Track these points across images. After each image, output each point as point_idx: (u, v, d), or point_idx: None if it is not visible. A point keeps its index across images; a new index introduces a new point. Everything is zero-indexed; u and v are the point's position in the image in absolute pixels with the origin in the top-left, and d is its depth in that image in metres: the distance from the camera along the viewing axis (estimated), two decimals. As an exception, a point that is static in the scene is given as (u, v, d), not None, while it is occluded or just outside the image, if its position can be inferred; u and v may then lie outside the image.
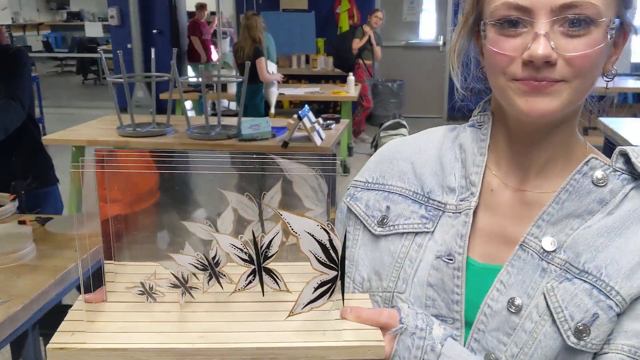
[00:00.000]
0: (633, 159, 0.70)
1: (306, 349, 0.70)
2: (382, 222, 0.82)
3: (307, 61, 7.67)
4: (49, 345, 0.66)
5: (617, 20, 0.66)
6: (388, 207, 0.83)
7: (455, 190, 0.79)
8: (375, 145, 6.15)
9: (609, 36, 0.65)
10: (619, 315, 0.68)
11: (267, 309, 0.77)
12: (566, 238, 0.71)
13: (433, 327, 0.70)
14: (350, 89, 5.51)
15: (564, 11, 0.64)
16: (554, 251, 0.71)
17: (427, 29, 8.13)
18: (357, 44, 6.43)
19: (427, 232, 0.79)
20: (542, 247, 0.72)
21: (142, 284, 0.76)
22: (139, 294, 0.76)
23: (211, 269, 0.76)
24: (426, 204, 0.81)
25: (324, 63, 7.44)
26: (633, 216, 0.71)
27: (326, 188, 0.75)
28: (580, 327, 0.67)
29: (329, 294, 0.72)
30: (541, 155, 0.75)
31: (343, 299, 0.73)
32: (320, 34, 7.88)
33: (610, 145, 3.52)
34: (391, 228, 0.81)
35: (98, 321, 0.72)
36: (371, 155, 0.94)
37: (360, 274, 0.83)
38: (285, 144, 3.59)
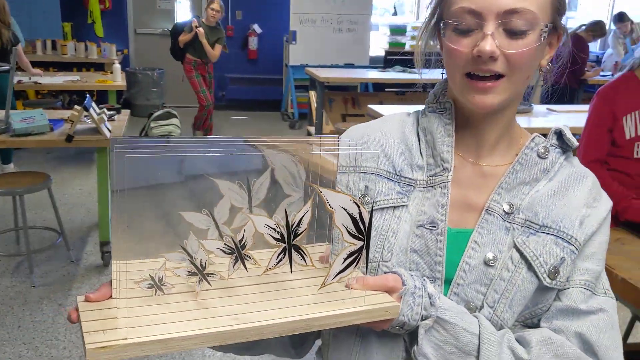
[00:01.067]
0: (568, 136, 0.90)
1: (335, 316, 0.76)
2: (363, 200, 0.91)
3: (54, 47, 7.00)
4: (88, 347, 0.63)
5: (550, 25, 0.83)
6: (366, 187, 0.92)
7: (424, 168, 0.91)
8: (146, 135, 5.95)
9: (542, 38, 0.82)
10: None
11: (276, 288, 0.81)
12: (520, 202, 0.88)
13: (426, 286, 0.82)
14: (117, 78, 5.23)
15: (507, 16, 0.79)
16: (512, 213, 0.87)
17: (183, 17, 8.06)
18: (182, 37, 5.98)
19: (403, 205, 0.90)
20: (503, 210, 0.87)
21: (150, 276, 0.74)
22: (147, 288, 0.74)
23: (238, 252, 0.78)
24: (399, 181, 0.92)
25: (74, 49, 6.88)
26: (569, 180, 0.90)
27: (304, 174, 0.82)
28: (552, 270, 0.85)
29: (355, 263, 0.79)
30: (491, 135, 0.90)
31: (367, 267, 0.80)
32: (67, 19, 7.27)
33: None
34: (373, 205, 0.91)
35: (121, 317, 0.70)
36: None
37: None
38: (69, 138, 3.29)
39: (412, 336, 0.84)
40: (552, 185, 0.89)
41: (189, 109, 7.96)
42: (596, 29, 6.21)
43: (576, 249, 0.87)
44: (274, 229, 0.78)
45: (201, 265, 0.76)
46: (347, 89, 7.32)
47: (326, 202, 0.77)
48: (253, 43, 8.04)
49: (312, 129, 5.94)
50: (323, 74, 5.57)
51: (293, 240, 0.80)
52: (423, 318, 0.81)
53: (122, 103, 6.90)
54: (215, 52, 6.00)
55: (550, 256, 0.86)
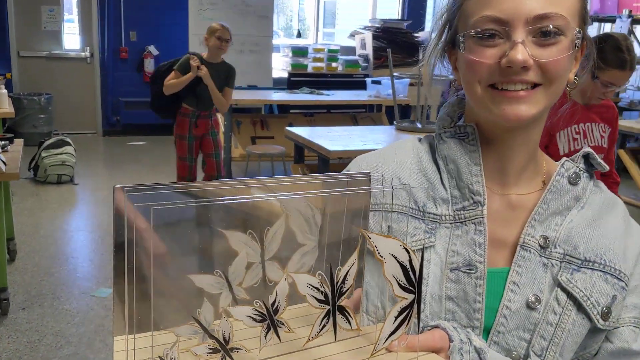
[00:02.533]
0: (598, 160, 0.83)
1: None
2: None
3: None
4: None
5: (581, 32, 0.76)
6: (390, 227, 0.80)
7: (449, 201, 0.82)
8: (35, 168, 5.46)
9: (575, 45, 0.76)
10: None
11: (313, 357, 0.68)
12: (555, 234, 0.80)
13: (472, 339, 0.72)
14: (3, 104, 4.75)
15: (537, 22, 0.72)
16: (547, 247, 0.79)
17: (71, 39, 7.58)
18: (173, 81, 3.97)
19: (431, 245, 0.80)
20: (539, 245, 0.79)
21: (160, 358, 0.59)
22: None
23: (270, 319, 0.64)
24: (423, 218, 0.81)
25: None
26: (603, 208, 0.83)
27: (320, 220, 0.71)
28: (605, 310, 0.77)
29: (407, 321, 0.67)
30: (518, 160, 0.82)
31: (419, 323, 0.69)
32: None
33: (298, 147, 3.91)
34: (423, 251, 0.80)
35: None
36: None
37: (373, 303, 0.80)
38: (-44, 172, 2.91)
39: None
40: (585, 214, 0.82)
41: (84, 136, 7.47)
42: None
43: (626, 284, 0.79)
44: (318, 289, 0.65)
45: (224, 338, 0.62)
46: (251, 110, 7.19)
47: (376, 250, 0.65)
48: (149, 65, 7.70)
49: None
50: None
51: (338, 300, 0.66)
52: None
53: (4, 131, 6.32)
54: (227, 99, 4.19)
55: (601, 295, 0.77)
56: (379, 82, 5.93)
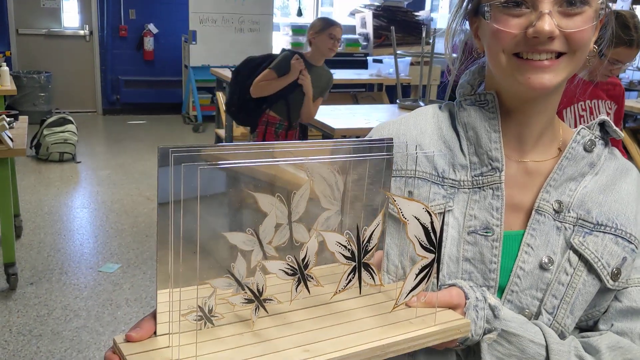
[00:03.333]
0: (614, 127, 0.86)
1: (411, 339, 0.71)
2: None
3: None
4: None
5: (603, 1, 0.79)
6: (410, 192, 0.84)
7: (467, 167, 0.85)
8: (37, 146, 5.48)
9: (599, 15, 0.79)
10: None
11: (329, 312, 0.73)
12: (569, 199, 0.83)
13: (487, 296, 0.76)
14: (5, 81, 4.75)
15: None
16: (561, 211, 0.83)
17: (71, 16, 7.54)
18: (263, 79, 3.25)
19: (450, 210, 0.84)
20: (553, 209, 0.82)
21: (200, 307, 0.64)
22: (196, 320, 0.64)
23: (300, 272, 0.70)
24: (442, 183, 0.85)
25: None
26: (617, 174, 0.86)
27: (342, 185, 0.75)
28: (615, 271, 0.81)
29: (427, 278, 0.72)
30: (536, 128, 0.85)
31: (437, 282, 0.73)
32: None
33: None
34: (444, 213, 0.83)
35: (174, 359, 0.60)
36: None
37: (394, 263, 0.83)
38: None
39: (467, 350, 0.78)
40: (599, 180, 0.85)
41: (84, 115, 7.47)
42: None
43: (636, 247, 0.83)
44: (345, 247, 0.69)
45: (258, 290, 0.67)
46: (250, 90, 7.18)
47: (400, 211, 0.69)
48: (149, 44, 7.67)
49: (221, 132, 5.75)
50: (230, 74, 5.40)
51: (363, 257, 0.71)
52: (485, 331, 0.75)
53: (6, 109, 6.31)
54: (315, 109, 3.43)
55: (612, 257, 0.81)
56: (380, 61, 5.93)
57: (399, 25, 7.33)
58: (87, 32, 7.61)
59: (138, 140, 6.57)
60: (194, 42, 6.90)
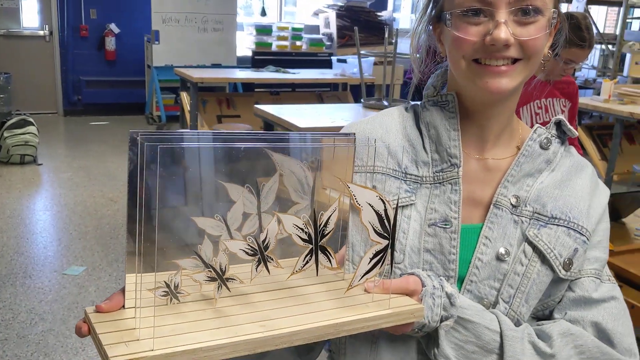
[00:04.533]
0: (568, 126, 0.91)
1: (364, 320, 0.75)
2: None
3: None
4: (113, 359, 0.59)
5: (556, 11, 0.84)
6: (374, 187, 0.89)
7: (429, 164, 0.90)
8: (-2, 147, 5.37)
9: (551, 24, 0.84)
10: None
11: (290, 294, 0.78)
12: (526, 194, 0.88)
13: (444, 285, 0.81)
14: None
15: (518, 3, 0.80)
16: (518, 206, 0.88)
17: (30, 17, 7.40)
18: None
19: (412, 203, 0.88)
20: (511, 204, 0.87)
21: (166, 283, 0.69)
22: (162, 296, 0.69)
23: (261, 253, 0.74)
24: (405, 179, 0.90)
25: None
26: (571, 170, 0.91)
27: (312, 180, 0.80)
28: (567, 261, 0.86)
29: (381, 263, 0.76)
30: (495, 127, 0.90)
31: (392, 269, 0.78)
32: None
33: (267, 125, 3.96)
34: (398, 202, 0.87)
35: (143, 328, 0.65)
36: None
37: (358, 254, 0.88)
38: None
39: (427, 338, 0.83)
40: (555, 176, 0.90)
41: (45, 116, 7.34)
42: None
43: (587, 239, 0.88)
44: (302, 229, 0.74)
45: (221, 269, 0.71)
46: (215, 89, 7.17)
47: (354, 198, 0.74)
48: (110, 43, 7.58)
49: (186, 132, 5.73)
50: (195, 74, 5.39)
51: (320, 241, 0.75)
52: (442, 319, 0.79)
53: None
54: None
55: (564, 248, 0.86)
56: (344, 61, 5.99)
57: (362, 25, 7.41)
58: (47, 32, 7.48)
59: (101, 141, 6.49)
60: (156, 42, 6.85)
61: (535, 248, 0.86)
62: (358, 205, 0.73)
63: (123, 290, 0.69)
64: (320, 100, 6.24)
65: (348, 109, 4.29)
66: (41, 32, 7.47)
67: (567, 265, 0.86)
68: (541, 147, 0.90)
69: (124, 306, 0.69)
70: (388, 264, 0.77)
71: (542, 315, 0.90)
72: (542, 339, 0.83)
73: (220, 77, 5.89)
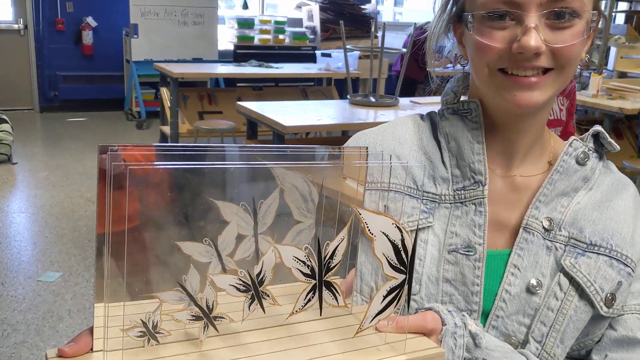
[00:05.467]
0: (608, 139, 0.79)
1: None
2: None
3: None
4: None
5: (596, 13, 0.73)
6: (386, 207, 0.76)
7: (449, 180, 0.79)
8: (-31, 146, 5.16)
9: (590, 28, 0.73)
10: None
11: (289, 333, 0.66)
12: (560, 216, 0.77)
13: (467, 323, 0.69)
14: None
15: (551, 4, 0.69)
16: (552, 229, 0.76)
17: (3, 10, 7.16)
18: None
19: (429, 226, 0.77)
20: (543, 227, 0.76)
21: (143, 322, 0.58)
22: (138, 337, 0.58)
23: (255, 289, 0.62)
24: (421, 197, 0.78)
25: None
26: (612, 189, 0.80)
27: (317, 197, 0.69)
28: (609, 296, 0.74)
29: (396, 301, 0.65)
30: (524, 141, 0.79)
31: (408, 305, 0.67)
32: None
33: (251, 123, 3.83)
34: (417, 230, 0.76)
35: None
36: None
37: (367, 284, 0.77)
38: None
39: None
40: (594, 196, 0.78)
41: (20, 113, 7.12)
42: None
43: (632, 270, 0.76)
44: (304, 262, 0.62)
45: (207, 307, 0.60)
46: (196, 84, 7.01)
47: (366, 227, 0.62)
48: (87, 37, 7.37)
49: (166, 129, 5.57)
50: (176, 69, 5.23)
51: (325, 275, 0.64)
52: None
53: None
54: None
55: (606, 281, 0.75)
56: (329, 55, 5.87)
57: (346, 18, 7.28)
58: (21, 26, 7.24)
59: (78, 138, 6.30)
60: (135, 36, 6.66)
61: (572, 280, 0.74)
62: (371, 235, 0.62)
63: (91, 330, 0.59)
64: (305, 95, 6.11)
65: (334, 105, 4.18)
66: (15, 26, 7.23)
67: (610, 301, 0.75)
68: (577, 162, 0.78)
69: (92, 349, 0.59)
70: (405, 301, 0.65)
71: (577, 355, 0.79)
72: None
73: (202, 72, 5.74)
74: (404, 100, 4.13)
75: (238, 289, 0.61)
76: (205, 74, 6.11)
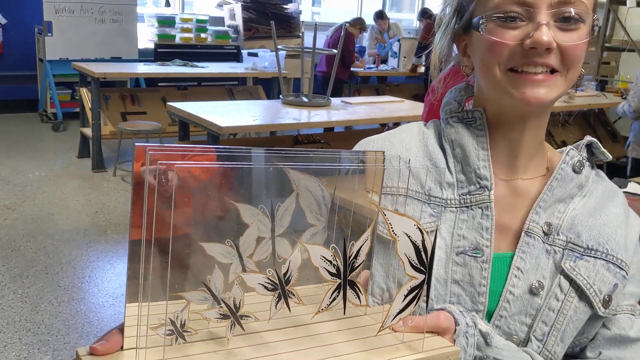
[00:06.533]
0: (601, 149, 0.84)
1: None
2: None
3: None
4: None
5: (596, 17, 0.76)
6: (396, 210, 0.79)
7: (454, 185, 0.82)
8: None
9: (594, 31, 0.77)
10: None
11: (308, 333, 0.68)
12: (558, 221, 0.81)
13: (477, 322, 0.73)
14: None
15: (560, 6, 0.73)
16: (550, 234, 0.80)
17: None
18: None
19: (436, 229, 0.80)
20: (543, 231, 0.80)
21: (171, 320, 0.60)
22: (167, 335, 0.60)
23: (281, 288, 0.65)
24: (428, 202, 0.81)
25: None
26: (604, 196, 0.84)
27: (329, 201, 0.72)
28: (607, 298, 0.79)
29: (416, 300, 0.68)
30: (528, 146, 0.82)
31: (427, 305, 0.69)
32: None
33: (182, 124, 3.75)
34: (437, 232, 0.78)
35: None
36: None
37: (379, 285, 0.79)
38: None
39: None
40: (588, 203, 0.83)
41: None
42: (360, 22, 6.68)
43: (627, 273, 0.82)
44: (330, 262, 0.64)
45: (234, 305, 0.62)
46: (115, 84, 6.77)
47: (390, 227, 0.64)
48: (-5, 35, 6.95)
49: (87, 131, 5.35)
50: (96, 68, 5.04)
51: (349, 275, 0.65)
52: (476, 359, 0.72)
53: None
54: None
55: (604, 283, 0.79)
56: (255, 55, 5.85)
57: (268, 18, 7.28)
58: None
59: (-11, 142, 5.93)
60: (49, 34, 6.34)
61: (572, 282, 0.79)
62: (394, 235, 0.64)
63: (121, 329, 0.60)
64: (232, 95, 6.06)
65: (267, 105, 4.17)
66: None
67: (607, 302, 0.80)
68: (574, 170, 0.83)
69: (122, 347, 0.60)
70: (423, 300, 0.68)
71: (571, 352, 0.84)
72: None
73: (125, 71, 5.57)
74: (335, 100, 4.19)
75: (266, 288, 0.63)
76: (130, 73, 5.92)
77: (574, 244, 0.81)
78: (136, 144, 0.54)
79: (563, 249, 0.81)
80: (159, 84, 6.53)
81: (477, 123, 0.82)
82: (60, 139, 6.28)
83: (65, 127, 6.58)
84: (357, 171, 0.73)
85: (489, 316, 0.79)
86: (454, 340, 0.70)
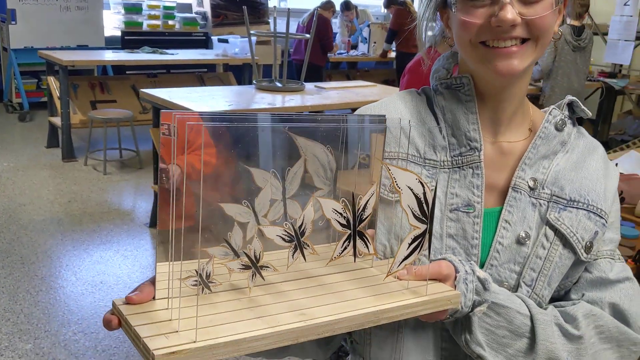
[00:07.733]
0: (582, 107, 0.91)
1: (403, 307, 0.73)
2: (393, 188, 0.84)
3: None
4: (157, 353, 0.56)
5: None
6: None
7: (446, 148, 0.87)
8: None
9: (558, 1, 0.82)
10: None
11: (319, 283, 0.74)
12: (543, 176, 0.87)
13: (475, 270, 0.79)
14: None
15: None
16: (536, 188, 0.86)
17: None
18: None
19: (435, 186, 0.85)
20: (529, 186, 0.86)
21: (197, 272, 0.65)
22: (193, 286, 0.66)
23: (297, 239, 0.71)
24: (424, 164, 0.87)
25: None
26: (585, 151, 0.91)
27: (334, 165, 0.77)
28: (588, 244, 0.86)
29: (419, 249, 0.73)
30: (508, 109, 0.88)
31: (429, 252, 0.74)
32: None
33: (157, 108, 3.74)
34: (436, 187, 0.83)
35: (174, 319, 0.62)
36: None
37: (381, 242, 0.84)
38: None
39: (454, 324, 0.81)
40: (570, 158, 0.90)
41: None
42: (331, 5, 6.71)
43: (606, 221, 0.88)
44: (341, 214, 0.70)
45: (255, 257, 0.67)
46: (82, 72, 6.66)
47: (394, 181, 0.69)
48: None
49: (56, 120, 5.28)
50: (64, 56, 4.96)
51: (358, 226, 0.71)
52: (475, 303, 0.78)
53: None
54: None
55: (585, 231, 0.86)
56: (225, 41, 5.82)
57: (237, 4, 7.25)
58: None
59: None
60: (13, 22, 6.21)
61: (557, 231, 0.85)
62: (398, 188, 0.69)
63: (152, 281, 0.66)
64: (202, 81, 6.03)
65: (241, 91, 4.18)
66: None
67: (589, 248, 0.87)
68: (556, 128, 0.89)
69: (154, 297, 0.66)
70: (426, 249, 0.73)
71: (557, 295, 0.91)
72: (567, 321, 0.84)
73: (94, 59, 5.49)
74: (309, 86, 4.22)
75: (284, 239, 0.68)
76: (99, 61, 5.83)
77: (558, 197, 0.87)
78: (162, 110, 0.58)
79: (548, 202, 0.87)
80: (127, 72, 6.46)
81: (466, 89, 0.87)
82: (28, 129, 6.17)
83: (32, 117, 6.47)
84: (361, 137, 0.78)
85: (481, 266, 0.85)
86: (455, 286, 0.75)
